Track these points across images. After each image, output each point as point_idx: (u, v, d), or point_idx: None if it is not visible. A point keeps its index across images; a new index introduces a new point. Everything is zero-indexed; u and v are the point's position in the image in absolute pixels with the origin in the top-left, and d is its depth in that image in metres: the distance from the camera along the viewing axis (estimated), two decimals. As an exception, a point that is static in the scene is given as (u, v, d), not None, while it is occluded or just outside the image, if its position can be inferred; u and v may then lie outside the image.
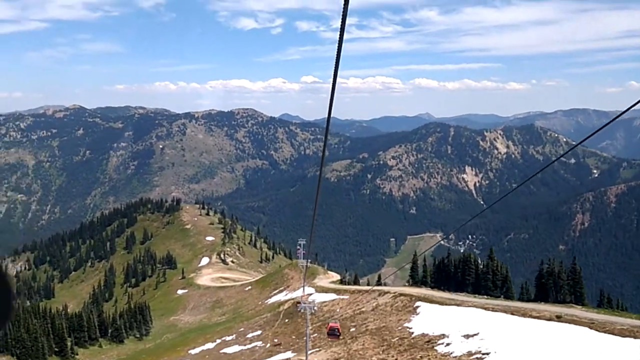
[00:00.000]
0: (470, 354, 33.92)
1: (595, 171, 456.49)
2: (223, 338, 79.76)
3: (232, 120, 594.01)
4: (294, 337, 64.04)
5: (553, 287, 60.17)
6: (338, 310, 69.21)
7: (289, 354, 56.45)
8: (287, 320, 75.89)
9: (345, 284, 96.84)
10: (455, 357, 34.50)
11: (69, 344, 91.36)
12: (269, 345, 64.53)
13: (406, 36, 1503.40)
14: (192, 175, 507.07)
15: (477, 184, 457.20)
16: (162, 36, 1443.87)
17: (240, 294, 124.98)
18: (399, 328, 46.57)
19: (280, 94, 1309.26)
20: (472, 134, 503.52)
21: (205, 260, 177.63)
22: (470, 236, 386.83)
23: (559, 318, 39.90)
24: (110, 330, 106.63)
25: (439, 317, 45.90)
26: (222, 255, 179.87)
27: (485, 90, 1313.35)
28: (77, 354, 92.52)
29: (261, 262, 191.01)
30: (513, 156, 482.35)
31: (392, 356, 38.87)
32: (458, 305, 50.92)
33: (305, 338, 44.39)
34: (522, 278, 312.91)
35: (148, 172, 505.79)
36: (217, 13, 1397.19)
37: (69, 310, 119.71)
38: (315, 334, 57.94)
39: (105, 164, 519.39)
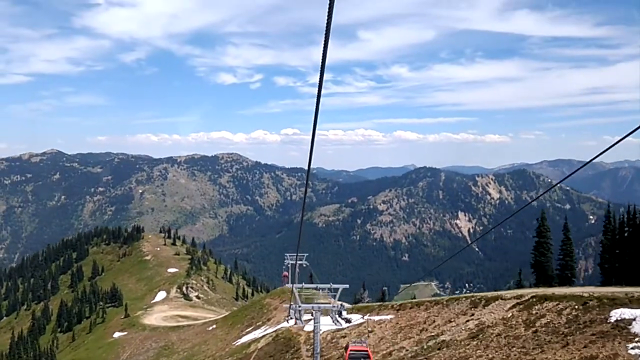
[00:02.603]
0: None
1: (591, 217, 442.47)
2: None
3: (216, 164, 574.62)
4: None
5: None
6: (374, 342, 37.47)
7: None
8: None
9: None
10: None
11: None
12: None
13: (381, 91, 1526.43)
14: (173, 221, 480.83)
15: (471, 230, 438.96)
16: (144, 90, 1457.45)
17: (199, 336, 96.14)
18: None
19: (263, 146, 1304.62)
20: (463, 179, 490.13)
21: (161, 295, 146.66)
22: (467, 285, 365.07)
23: None
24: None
25: None
26: (184, 289, 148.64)
27: (465, 143, 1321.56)
28: None
29: (237, 299, 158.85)
30: (506, 202, 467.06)
31: None
32: None
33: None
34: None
35: (126, 218, 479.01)
36: (196, 68, 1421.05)
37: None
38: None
39: (81, 210, 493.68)
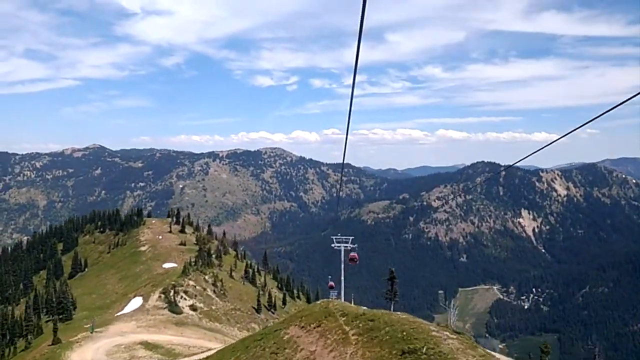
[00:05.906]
0: None
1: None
2: None
3: (259, 159, 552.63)
4: None
5: None
6: None
7: None
8: None
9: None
10: None
11: None
12: None
13: (418, 91, 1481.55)
14: (213, 217, 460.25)
15: (537, 230, 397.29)
16: (185, 92, 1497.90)
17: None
18: None
19: (304, 145, 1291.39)
20: (526, 175, 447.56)
21: (136, 303, 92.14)
22: (535, 290, 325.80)
23: None
24: None
25: None
26: (171, 294, 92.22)
27: (513, 142, 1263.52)
28: None
29: (258, 310, 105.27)
30: (575, 199, 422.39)
31: None
32: None
33: None
34: (605, 342, 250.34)
35: (165, 213, 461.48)
36: (233, 72, 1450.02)
37: None
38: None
39: (121, 205, 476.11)
